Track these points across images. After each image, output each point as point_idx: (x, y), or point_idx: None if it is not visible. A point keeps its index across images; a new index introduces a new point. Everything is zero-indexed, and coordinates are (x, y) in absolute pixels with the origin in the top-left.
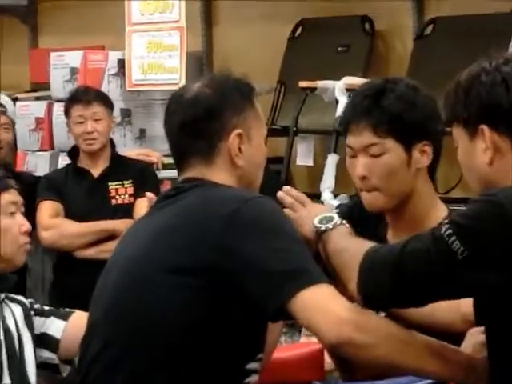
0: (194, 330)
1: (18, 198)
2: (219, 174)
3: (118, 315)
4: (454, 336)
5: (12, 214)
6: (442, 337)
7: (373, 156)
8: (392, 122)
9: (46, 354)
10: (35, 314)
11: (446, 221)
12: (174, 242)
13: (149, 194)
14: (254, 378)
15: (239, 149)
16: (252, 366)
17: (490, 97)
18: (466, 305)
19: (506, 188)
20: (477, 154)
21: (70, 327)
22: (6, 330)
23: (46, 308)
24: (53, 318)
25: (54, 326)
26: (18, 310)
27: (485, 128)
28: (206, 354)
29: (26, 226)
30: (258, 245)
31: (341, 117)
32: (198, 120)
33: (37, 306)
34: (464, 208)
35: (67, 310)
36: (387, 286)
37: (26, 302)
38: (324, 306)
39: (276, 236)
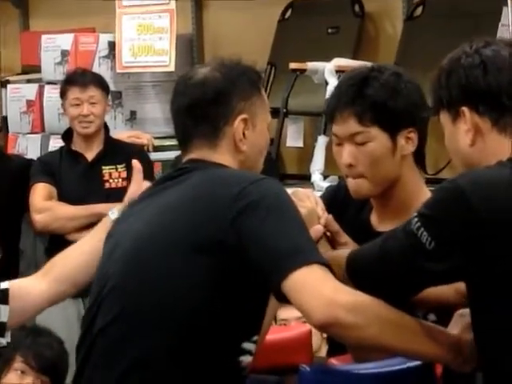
0: (201, 307)
1: None
2: (223, 156)
3: (127, 292)
4: (449, 308)
5: None
6: (437, 310)
7: (358, 144)
8: (376, 111)
9: None
10: None
11: (415, 214)
12: (183, 222)
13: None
14: (248, 358)
15: (243, 134)
16: (247, 346)
17: (468, 79)
18: None
19: (468, 172)
20: (459, 136)
21: (13, 306)
22: None
23: None
24: None
25: None
26: None
27: (465, 110)
28: (207, 329)
29: None
30: (264, 222)
31: (325, 105)
32: (205, 102)
33: None
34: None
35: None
36: (374, 286)
37: None
38: (314, 287)
39: (281, 215)
